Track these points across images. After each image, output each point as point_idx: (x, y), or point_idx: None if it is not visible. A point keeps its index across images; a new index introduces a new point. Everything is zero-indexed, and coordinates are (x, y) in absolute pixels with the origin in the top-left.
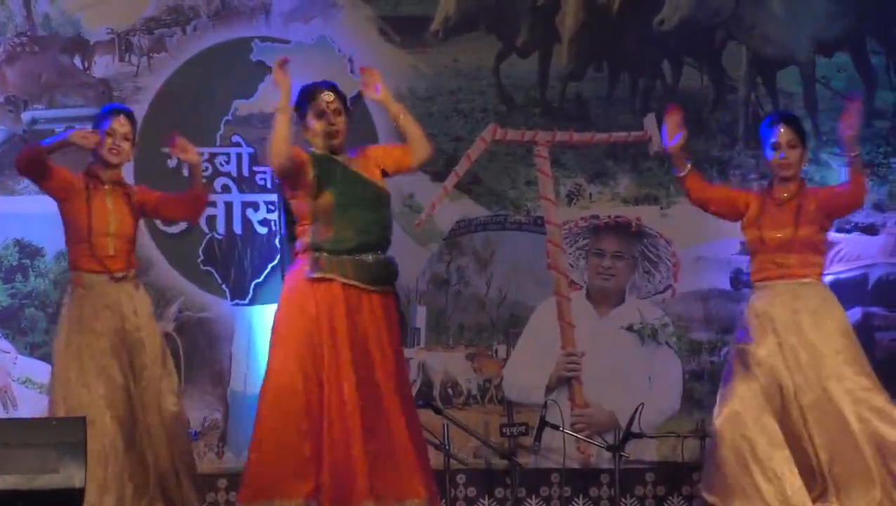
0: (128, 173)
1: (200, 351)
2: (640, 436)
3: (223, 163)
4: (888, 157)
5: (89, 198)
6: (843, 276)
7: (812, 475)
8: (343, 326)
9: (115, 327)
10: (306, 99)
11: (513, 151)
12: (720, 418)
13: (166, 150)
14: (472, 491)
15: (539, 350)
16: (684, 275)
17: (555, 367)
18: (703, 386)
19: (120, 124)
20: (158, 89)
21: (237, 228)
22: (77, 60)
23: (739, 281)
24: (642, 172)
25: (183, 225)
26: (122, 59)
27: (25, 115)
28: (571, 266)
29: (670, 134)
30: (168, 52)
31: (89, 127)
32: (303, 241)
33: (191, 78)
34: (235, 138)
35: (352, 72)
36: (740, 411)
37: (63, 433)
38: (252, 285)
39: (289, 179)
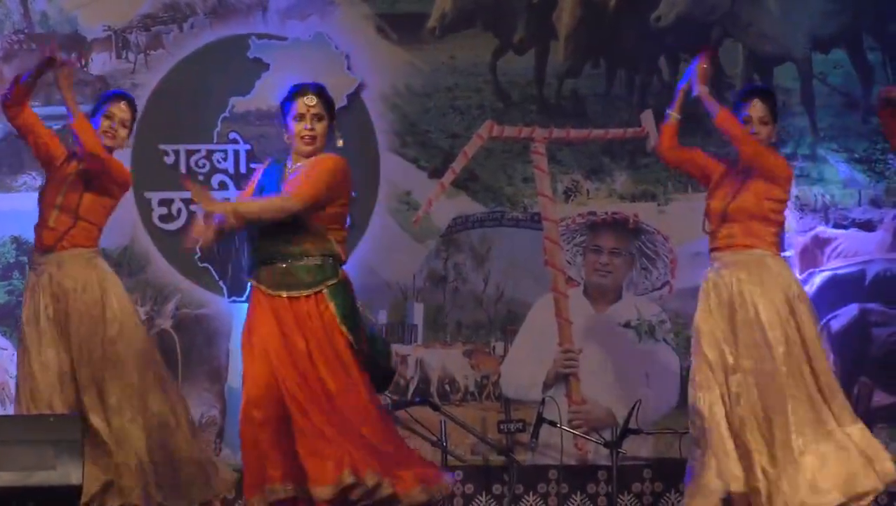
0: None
1: (198, 348)
2: (637, 432)
3: (220, 160)
4: (885, 153)
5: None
6: (840, 272)
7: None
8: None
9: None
10: (290, 99)
11: (510, 147)
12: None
13: (163, 146)
14: (469, 488)
15: (536, 347)
16: (681, 271)
17: (552, 363)
18: None
19: (120, 109)
20: (155, 86)
21: None
22: (74, 58)
23: None
24: (639, 169)
25: (181, 222)
26: (119, 57)
27: None
28: (569, 263)
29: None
30: (165, 49)
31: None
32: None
33: (188, 75)
34: (232, 135)
35: (349, 69)
36: (695, 384)
37: (60, 430)
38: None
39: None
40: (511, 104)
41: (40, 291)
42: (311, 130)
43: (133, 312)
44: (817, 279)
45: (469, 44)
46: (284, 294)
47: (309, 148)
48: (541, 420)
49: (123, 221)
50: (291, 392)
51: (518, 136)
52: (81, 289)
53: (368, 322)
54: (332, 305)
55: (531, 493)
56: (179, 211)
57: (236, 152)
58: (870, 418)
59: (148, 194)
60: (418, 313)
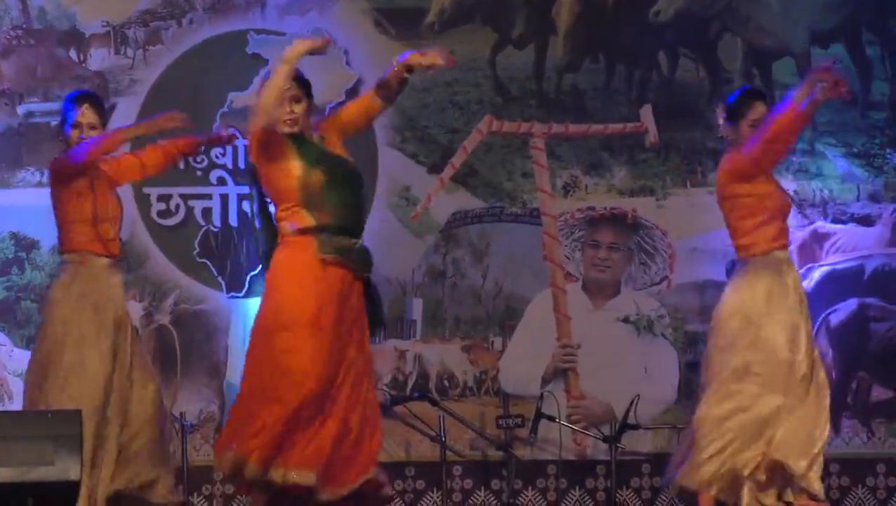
0: None
1: (196, 344)
2: (636, 427)
3: (219, 155)
4: (884, 147)
5: (93, 184)
6: (839, 267)
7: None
8: (342, 311)
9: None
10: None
11: (509, 142)
12: None
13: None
14: (468, 483)
15: (535, 342)
16: (680, 266)
17: (551, 359)
18: (699, 377)
19: (83, 116)
20: (154, 82)
21: (233, 221)
22: (73, 53)
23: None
24: (638, 164)
25: (179, 217)
26: (117, 52)
27: (21, 109)
28: (567, 258)
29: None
30: (164, 44)
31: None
32: (294, 223)
33: (186, 71)
34: (231, 131)
35: (348, 64)
36: None
37: (59, 426)
38: (248, 278)
39: (265, 151)
40: (510, 99)
41: None
42: (293, 112)
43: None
44: (816, 274)
45: (468, 39)
46: (359, 274)
47: (294, 129)
48: (539, 415)
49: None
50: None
51: (517, 131)
52: None
53: None
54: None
55: (530, 488)
56: (178, 207)
57: (235, 148)
58: (868, 412)
59: (146, 190)
60: (417, 309)
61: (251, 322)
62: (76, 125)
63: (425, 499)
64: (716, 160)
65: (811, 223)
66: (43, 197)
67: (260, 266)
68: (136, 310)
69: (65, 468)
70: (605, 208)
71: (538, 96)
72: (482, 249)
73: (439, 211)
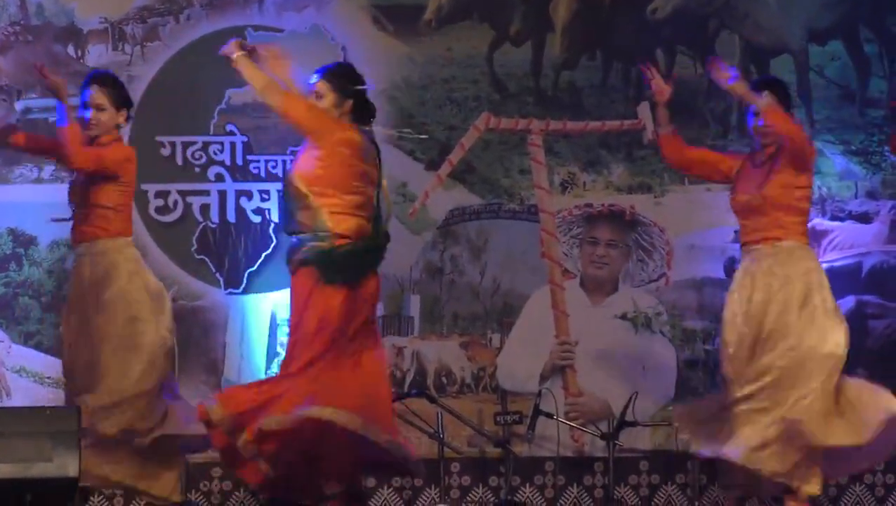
0: None
1: (194, 340)
2: (634, 424)
3: (217, 152)
4: (882, 144)
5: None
6: (837, 264)
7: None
8: None
9: None
10: None
11: (506, 139)
12: None
13: (160, 138)
14: (466, 479)
15: (533, 339)
16: (678, 263)
17: (549, 355)
18: (698, 374)
19: (92, 98)
20: (152, 78)
21: (231, 217)
22: (70, 49)
23: (733, 269)
24: (636, 161)
25: (177, 214)
26: (115, 49)
27: (19, 105)
28: (565, 255)
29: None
30: (161, 40)
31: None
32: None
33: (184, 67)
34: (229, 127)
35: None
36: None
37: (57, 422)
38: (246, 274)
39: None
40: (508, 96)
41: None
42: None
43: None
44: None
45: (466, 35)
46: None
47: None
48: (537, 412)
49: None
50: None
51: (515, 128)
52: None
53: None
54: None
55: (528, 485)
56: (176, 203)
57: (233, 144)
58: None
59: (144, 186)
60: (415, 305)
61: (249, 318)
62: (86, 106)
63: (423, 495)
64: None
65: (809, 220)
66: (41, 193)
67: (258, 262)
68: None
69: (63, 465)
70: (603, 205)
71: (535, 93)
72: (480, 246)
73: (437, 208)
